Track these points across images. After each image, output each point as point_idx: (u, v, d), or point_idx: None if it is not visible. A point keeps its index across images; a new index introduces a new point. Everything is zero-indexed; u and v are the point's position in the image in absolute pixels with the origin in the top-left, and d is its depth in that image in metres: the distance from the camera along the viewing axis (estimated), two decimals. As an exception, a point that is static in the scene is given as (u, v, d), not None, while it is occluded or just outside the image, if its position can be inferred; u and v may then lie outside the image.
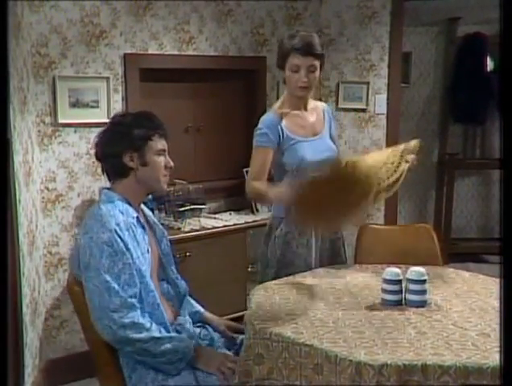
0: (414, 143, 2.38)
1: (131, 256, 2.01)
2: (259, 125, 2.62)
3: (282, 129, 2.59)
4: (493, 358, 1.72)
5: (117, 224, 2.02)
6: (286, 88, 2.67)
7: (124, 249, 2.00)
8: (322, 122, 2.73)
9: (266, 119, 2.63)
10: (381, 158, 2.30)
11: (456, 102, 5.25)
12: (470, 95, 4.98)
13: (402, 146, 2.35)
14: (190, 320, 2.29)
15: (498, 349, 1.76)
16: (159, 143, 2.15)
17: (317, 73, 2.58)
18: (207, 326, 2.34)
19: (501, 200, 1.81)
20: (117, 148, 2.11)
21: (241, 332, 2.13)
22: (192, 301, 2.40)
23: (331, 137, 2.75)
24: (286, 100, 2.67)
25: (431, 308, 2.11)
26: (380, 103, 4.26)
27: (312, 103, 2.76)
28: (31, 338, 2.90)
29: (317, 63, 2.56)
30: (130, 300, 1.98)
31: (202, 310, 2.40)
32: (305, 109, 2.69)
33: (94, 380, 2.24)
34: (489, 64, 5.19)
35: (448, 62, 5.35)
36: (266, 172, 2.60)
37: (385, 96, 4.24)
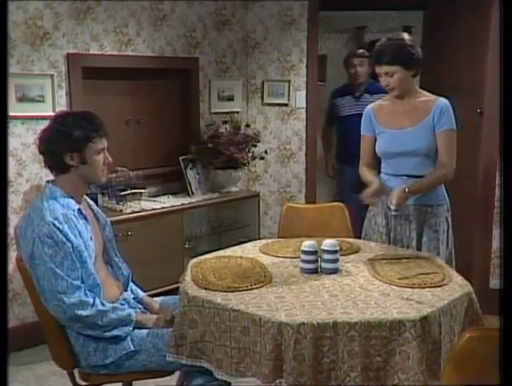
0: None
1: (72, 245, 1.94)
2: None
3: (371, 120, 2.56)
4: (391, 313, 1.76)
5: (56, 218, 1.94)
6: None
7: (64, 239, 1.93)
8: (423, 116, 2.45)
9: (364, 110, 2.62)
10: None
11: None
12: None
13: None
14: (133, 296, 2.26)
15: (396, 305, 1.82)
16: (99, 143, 2.05)
17: (398, 75, 2.38)
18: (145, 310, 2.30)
19: (502, 201, 1.81)
20: (59, 148, 2.00)
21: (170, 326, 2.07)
22: (136, 287, 2.35)
23: (434, 132, 2.44)
24: (388, 95, 2.56)
25: (342, 274, 2.13)
26: (300, 98, 4.27)
27: (424, 97, 2.49)
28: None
29: (393, 68, 2.36)
30: (74, 282, 1.94)
31: (142, 294, 2.35)
32: (408, 103, 2.48)
33: (45, 347, 2.20)
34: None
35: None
36: (367, 157, 2.61)
37: (304, 92, 4.26)
